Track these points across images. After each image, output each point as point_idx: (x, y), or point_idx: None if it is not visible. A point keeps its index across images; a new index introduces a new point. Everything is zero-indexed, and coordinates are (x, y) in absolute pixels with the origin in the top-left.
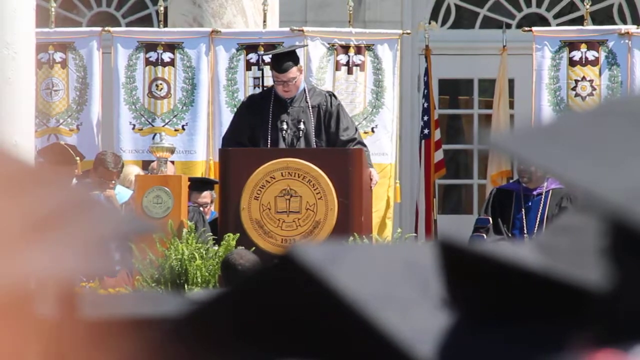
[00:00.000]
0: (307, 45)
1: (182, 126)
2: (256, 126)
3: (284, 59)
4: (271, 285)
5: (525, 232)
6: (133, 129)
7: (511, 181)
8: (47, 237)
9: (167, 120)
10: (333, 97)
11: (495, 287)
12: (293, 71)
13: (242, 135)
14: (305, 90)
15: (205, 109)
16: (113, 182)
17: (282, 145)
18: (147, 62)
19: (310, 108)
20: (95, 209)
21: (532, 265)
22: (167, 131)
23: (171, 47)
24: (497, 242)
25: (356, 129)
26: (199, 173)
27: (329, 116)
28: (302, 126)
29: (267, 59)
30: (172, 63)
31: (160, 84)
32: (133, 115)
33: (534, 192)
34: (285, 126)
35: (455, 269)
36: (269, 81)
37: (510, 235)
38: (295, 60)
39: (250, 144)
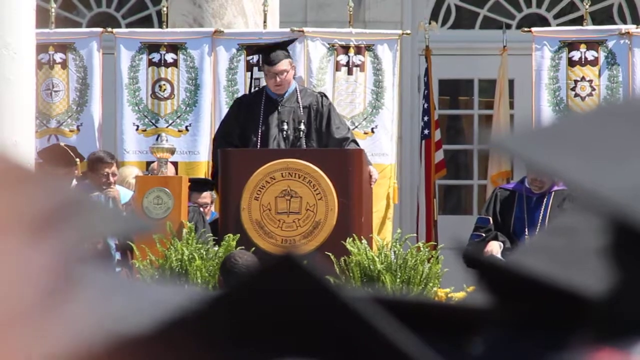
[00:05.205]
0: (296, 39)
1: (186, 127)
2: (247, 126)
3: (274, 51)
4: (270, 285)
5: (526, 232)
6: (137, 129)
7: (513, 181)
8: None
9: (170, 121)
10: (324, 97)
11: (494, 288)
12: (284, 63)
13: (233, 135)
14: (297, 90)
15: (208, 109)
16: (110, 177)
17: (271, 145)
18: (150, 63)
19: (302, 108)
20: (94, 208)
21: (531, 267)
22: (171, 132)
23: (174, 47)
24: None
25: (348, 129)
26: (202, 173)
27: (320, 116)
28: (291, 126)
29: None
30: (175, 64)
31: (164, 84)
32: (137, 116)
33: (537, 193)
34: (278, 126)
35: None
36: None
37: (511, 235)
38: (286, 53)
39: (240, 143)
